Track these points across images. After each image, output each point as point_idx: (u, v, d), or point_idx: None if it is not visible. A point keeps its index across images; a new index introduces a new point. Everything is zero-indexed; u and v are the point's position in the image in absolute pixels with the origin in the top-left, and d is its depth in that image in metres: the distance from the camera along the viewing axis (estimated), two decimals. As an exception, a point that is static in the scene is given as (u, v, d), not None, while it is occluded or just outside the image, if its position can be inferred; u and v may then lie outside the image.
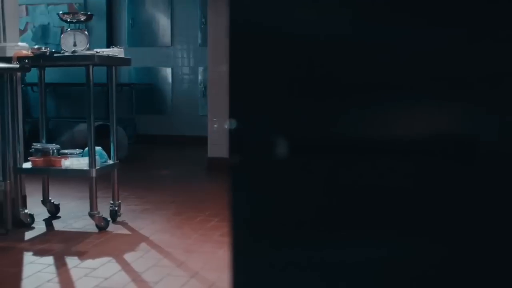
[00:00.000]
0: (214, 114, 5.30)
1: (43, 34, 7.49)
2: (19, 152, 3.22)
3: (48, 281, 2.40)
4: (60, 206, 3.55)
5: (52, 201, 3.52)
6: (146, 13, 7.47)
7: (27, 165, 3.27)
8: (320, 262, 0.89)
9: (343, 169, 0.86)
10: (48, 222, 3.40)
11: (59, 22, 7.48)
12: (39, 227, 3.28)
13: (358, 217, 0.86)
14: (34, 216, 3.32)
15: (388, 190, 0.84)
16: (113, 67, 3.36)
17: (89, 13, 3.34)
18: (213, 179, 4.90)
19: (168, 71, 7.45)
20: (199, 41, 7.31)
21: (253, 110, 0.93)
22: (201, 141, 6.90)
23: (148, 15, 7.47)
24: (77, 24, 3.28)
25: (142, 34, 7.40)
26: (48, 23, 7.52)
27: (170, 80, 7.47)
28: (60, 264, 2.62)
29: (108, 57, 3.18)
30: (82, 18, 3.28)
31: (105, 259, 2.68)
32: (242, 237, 0.94)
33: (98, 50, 3.16)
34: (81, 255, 2.75)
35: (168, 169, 5.35)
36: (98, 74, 7.35)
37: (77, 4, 7.42)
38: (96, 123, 3.44)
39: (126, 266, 2.59)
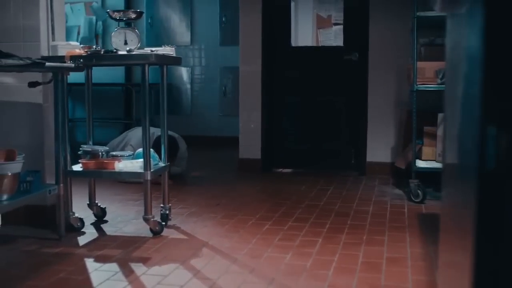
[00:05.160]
0: (245, 114, 5.21)
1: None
2: (69, 155, 3.12)
3: (122, 289, 2.31)
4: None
5: (98, 204, 3.42)
6: (165, 12, 7.36)
7: (76, 167, 3.16)
8: None
9: None
10: (97, 226, 3.29)
11: (76, 20, 7.37)
12: (90, 232, 3.17)
13: None
14: (84, 220, 3.22)
15: None
16: (165, 67, 3.25)
17: (138, 10, 3.24)
18: (249, 181, 4.80)
19: (187, 71, 7.35)
20: (219, 40, 7.21)
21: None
22: (223, 142, 6.82)
23: (167, 14, 7.36)
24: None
25: (161, 34, 7.29)
26: (66, 21, 7.37)
27: (189, 80, 7.37)
28: (128, 271, 2.51)
29: (163, 56, 3.08)
30: (133, 15, 3.17)
31: (172, 265, 2.59)
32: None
33: (153, 49, 3.05)
34: (145, 261, 2.65)
35: (199, 171, 5.24)
36: (116, 74, 7.21)
37: (94, 3, 7.31)
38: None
39: (197, 273, 2.49)
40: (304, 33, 7.06)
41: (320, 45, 6.64)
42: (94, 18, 7.33)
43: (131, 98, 7.10)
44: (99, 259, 2.69)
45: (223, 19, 7.13)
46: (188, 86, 7.39)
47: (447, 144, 1.53)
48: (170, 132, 4.07)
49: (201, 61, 7.36)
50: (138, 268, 2.55)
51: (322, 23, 7.07)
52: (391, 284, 2.37)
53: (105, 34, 7.31)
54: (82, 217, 3.24)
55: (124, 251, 2.80)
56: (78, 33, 7.38)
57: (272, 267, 2.58)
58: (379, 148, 4.96)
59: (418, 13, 3.86)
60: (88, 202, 3.41)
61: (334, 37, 6.47)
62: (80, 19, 7.38)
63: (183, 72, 7.36)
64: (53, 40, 3.18)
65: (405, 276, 2.45)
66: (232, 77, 7.08)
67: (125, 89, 7.29)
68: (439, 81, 1.90)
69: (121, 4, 7.13)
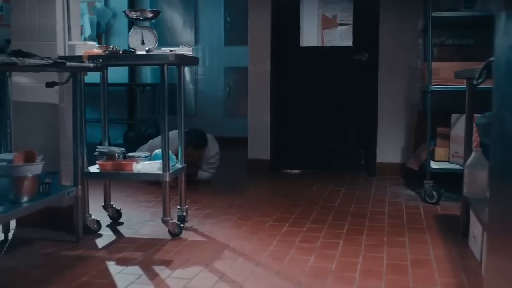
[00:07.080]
0: (253, 114, 5.18)
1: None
2: (85, 156, 3.07)
3: (148, 293, 2.27)
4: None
5: (114, 206, 3.38)
6: (169, 12, 7.32)
7: (93, 169, 3.12)
8: None
9: None
10: (113, 228, 3.25)
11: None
12: (107, 234, 3.13)
13: None
14: (100, 222, 3.18)
15: None
16: (182, 67, 3.21)
17: (155, 10, 3.20)
18: (259, 182, 4.77)
19: (191, 71, 7.31)
20: (223, 40, 7.18)
21: None
22: (227, 142, 6.75)
23: (171, 14, 7.32)
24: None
25: (165, 34, 7.23)
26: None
27: (193, 80, 7.33)
28: (152, 275, 2.47)
29: (182, 56, 3.04)
30: (150, 15, 3.13)
31: (196, 268, 2.55)
32: None
33: (172, 48, 3.01)
34: (168, 264, 2.61)
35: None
36: (120, 74, 7.15)
37: (98, 3, 7.25)
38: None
39: (222, 276, 2.45)
40: (309, 33, 7.03)
41: (325, 45, 6.62)
42: (96, 18, 7.28)
43: (135, 99, 7.04)
44: (120, 262, 2.65)
45: (228, 19, 7.10)
46: (192, 86, 7.35)
47: (502, 145, 1.51)
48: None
49: (205, 61, 7.32)
50: (162, 271, 2.51)
51: (327, 23, 7.05)
52: (420, 286, 2.34)
53: (108, 34, 7.26)
54: (98, 219, 3.20)
55: (145, 254, 2.76)
56: (81, 33, 7.32)
57: (296, 269, 2.55)
58: (389, 149, 4.94)
59: (432, 14, 3.84)
60: (103, 204, 3.37)
61: (339, 37, 6.44)
62: (82, 19, 7.32)
63: (187, 72, 7.32)
64: (69, 39, 3.14)
65: (433, 278, 2.43)
66: (236, 78, 7.06)
67: (129, 89, 7.24)
68: (475, 81, 1.88)
69: (124, 5, 7.07)
